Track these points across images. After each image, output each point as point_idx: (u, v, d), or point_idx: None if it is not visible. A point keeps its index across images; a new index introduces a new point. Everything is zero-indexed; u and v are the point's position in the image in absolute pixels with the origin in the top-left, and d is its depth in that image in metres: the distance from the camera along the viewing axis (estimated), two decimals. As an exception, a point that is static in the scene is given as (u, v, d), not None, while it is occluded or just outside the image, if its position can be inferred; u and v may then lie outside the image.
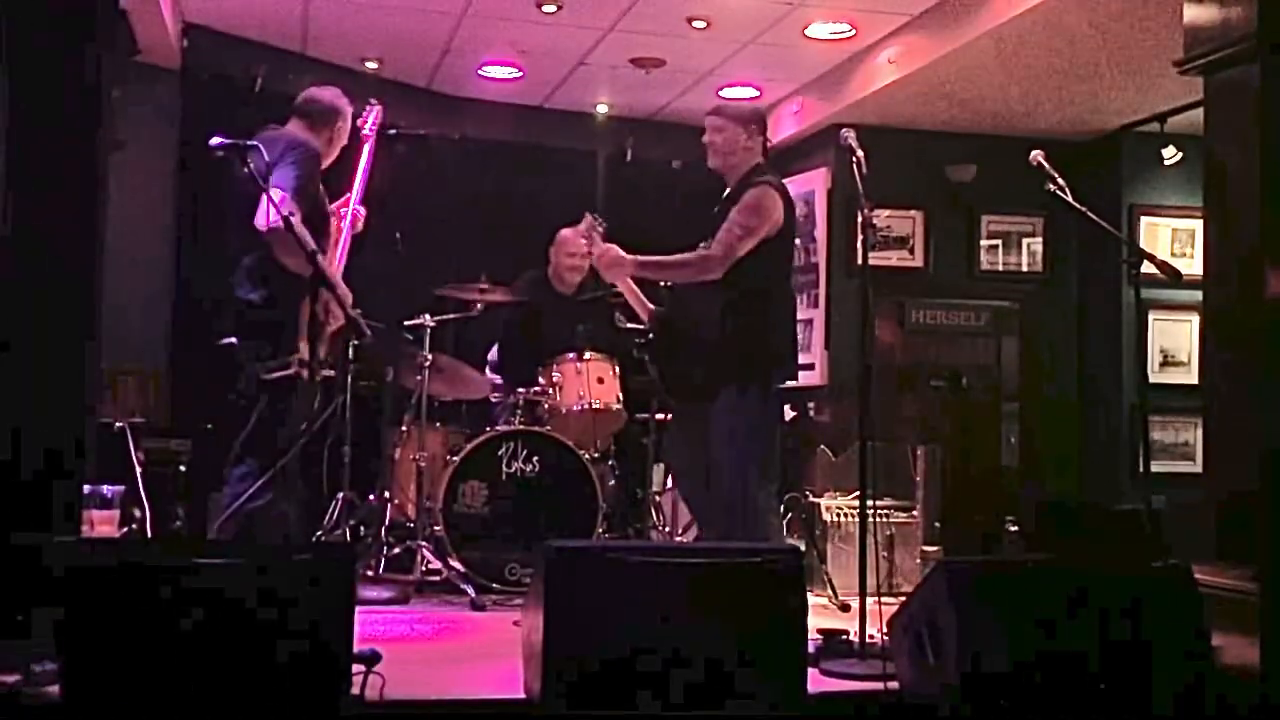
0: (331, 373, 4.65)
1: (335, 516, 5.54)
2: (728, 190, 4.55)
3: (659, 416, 5.65)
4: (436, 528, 5.36)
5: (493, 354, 6.45)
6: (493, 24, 6.55)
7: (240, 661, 2.82)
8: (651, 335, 4.58)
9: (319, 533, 5.45)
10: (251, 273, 4.19)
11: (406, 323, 5.66)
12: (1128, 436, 7.20)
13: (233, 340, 4.20)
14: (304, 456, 4.23)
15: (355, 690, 3.07)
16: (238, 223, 4.22)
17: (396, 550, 5.40)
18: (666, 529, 6.06)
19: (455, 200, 7.61)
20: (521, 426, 5.62)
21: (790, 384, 4.79)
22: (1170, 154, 6.99)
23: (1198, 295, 4.40)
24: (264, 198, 4.01)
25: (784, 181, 4.57)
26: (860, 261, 4.09)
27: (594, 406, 5.73)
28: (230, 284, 4.27)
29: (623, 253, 4.50)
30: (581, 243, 6.38)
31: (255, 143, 4.00)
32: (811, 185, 7.67)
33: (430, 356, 5.47)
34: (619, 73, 7.28)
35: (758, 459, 4.36)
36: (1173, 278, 4.15)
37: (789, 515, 6.01)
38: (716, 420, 4.33)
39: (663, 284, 4.59)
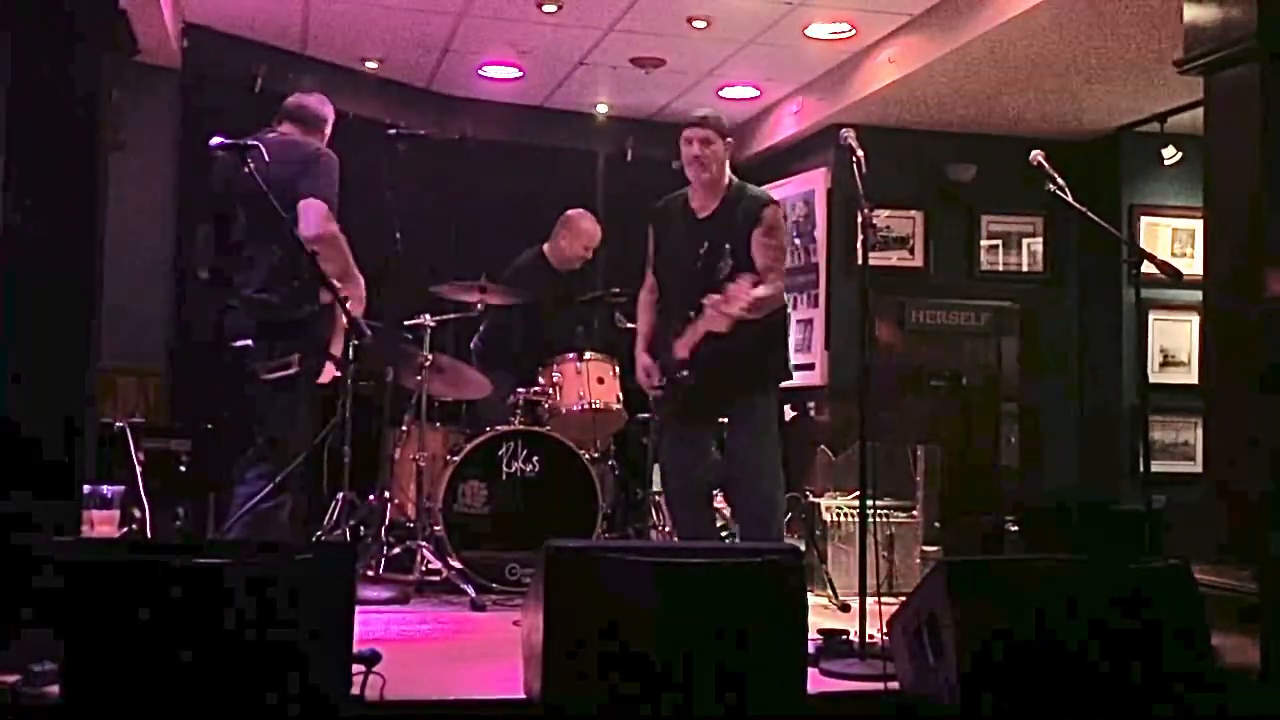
0: (339, 373, 4.65)
1: (335, 516, 5.53)
2: (714, 205, 4.54)
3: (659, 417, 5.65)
4: (436, 528, 5.35)
5: (476, 341, 6.41)
6: (493, 24, 6.55)
7: (240, 662, 2.82)
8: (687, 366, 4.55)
9: (319, 533, 5.45)
10: (274, 274, 4.17)
11: (406, 323, 5.66)
12: (1128, 436, 7.20)
13: (248, 342, 4.18)
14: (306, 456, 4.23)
15: (355, 690, 3.07)
16: (256, 225, 4.19)
17: (396, 550, 5.38)
18: (666, 529, 6.05)
19: (455, 200, 7.61)
20: (521, 426, 5.62)
21: (787, 384, 4.91)
22: (1170, 154, 6.99)
23: (1198, 295, 4.41)
24: (307, 204, 4.01)
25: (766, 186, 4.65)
26: (860, 261, 4.09)
27: (594, 406, 5.74)
28: (237, 284, 4.25)
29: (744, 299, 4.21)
30: (596, 232, 6.36)
31: (255, 143, 3.99)
32: (811, 185, 7.67)
33: (430, 356, 5.47)
34: (619, 73, 7.28)
35: (778, 461, 4.50)
36: (1173, 278, 4.15)
37: (789, 515, 6.01)
38: (742, 426, 4.40)
39: None
